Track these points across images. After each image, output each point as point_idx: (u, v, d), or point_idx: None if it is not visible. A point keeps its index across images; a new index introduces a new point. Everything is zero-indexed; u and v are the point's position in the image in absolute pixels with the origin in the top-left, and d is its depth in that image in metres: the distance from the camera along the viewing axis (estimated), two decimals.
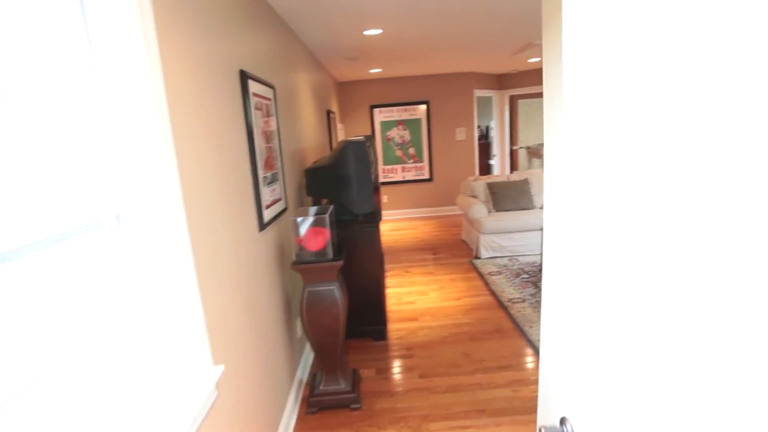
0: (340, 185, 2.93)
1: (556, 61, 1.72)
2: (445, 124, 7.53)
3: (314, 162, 3.34)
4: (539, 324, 3.42)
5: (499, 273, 4.61)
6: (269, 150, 2.35)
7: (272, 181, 2.37)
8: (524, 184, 5.49)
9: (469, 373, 2.83)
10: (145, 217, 1.10)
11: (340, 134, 6.70)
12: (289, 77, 3.23)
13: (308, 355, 3.05)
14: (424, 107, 7.41)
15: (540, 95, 12.19)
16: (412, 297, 4.16)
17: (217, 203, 1.58)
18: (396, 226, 7.17)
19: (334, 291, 2.32)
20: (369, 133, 7.44)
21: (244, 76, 1.98)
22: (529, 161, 12.21)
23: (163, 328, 1.16)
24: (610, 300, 0.76)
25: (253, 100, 2.09)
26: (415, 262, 5.22)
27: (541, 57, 6.11)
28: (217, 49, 1.71)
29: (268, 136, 2.34)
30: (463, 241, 5.96)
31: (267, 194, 2.25)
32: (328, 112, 5.28)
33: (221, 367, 1.33)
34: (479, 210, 5.20)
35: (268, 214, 2.23)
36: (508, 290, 4.13)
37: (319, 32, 3.68)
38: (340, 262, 2.30)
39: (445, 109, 7.48)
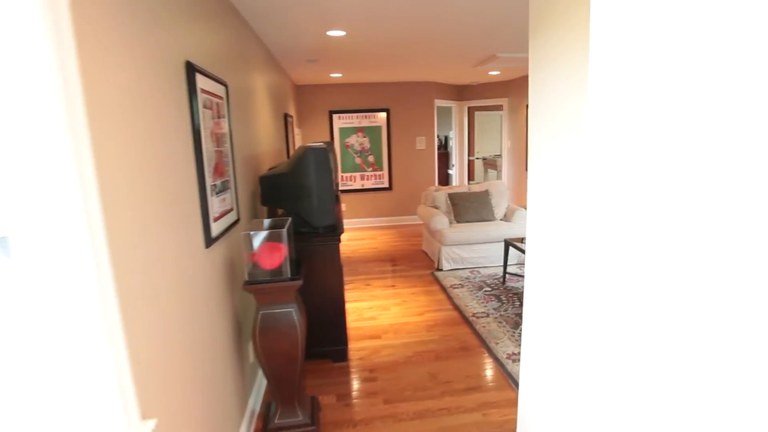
0: (298, 195, 2.70)
1: (545, 68, 1.60)
2: (405, 133, 7.43)
3: (270, 168, 3.09)
4: (505, 340, 3.32)
5: (462, 286, 4.50)
6: (219, 154, 2.09)
7: (222, 189, 2.11)
8: (485, 195, 5.45)
9: (437, 396, 2.66)
10: (43, 238, 0.84)
11: (298, 140, 6.43)
12: (244, 75, 2.97)
13: (261, 382, 2.77)
14: (384, 115, 7.28)
15: (497, 108, 12.45)
16: (374, 312, 3.96)
17: (154, 217, 1.32)
18: (355, 235, 6.96)
19: (291, 313, 2.08)
20: (328, 139, 7.21)
21: (191, 69, 1.73)
22: (485, 172, 12.39)
23: (69, 380, 0.90)
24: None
25: (201, 97, 1.83)
26: (375, 274, 5.03)
27: (500, 71, 6.15)
28: (159, 38, 1.45)
29: (218, 139, 2.08)
30: (424, 252, 5.84)
31: (216, 204, 1.99)
32: (286, 116, 5.02)
33: (152, 423, 1.07)
34: (441, 221, 5.10)
35: (216, 228, 1.97)
36: (472, 304, 4.02)
37: (279, 30, 3.45)
38: (299, 282, 2.07)
39: (405, 118, 7.38)
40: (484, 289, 4.38)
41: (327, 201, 2.74)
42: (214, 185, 1.96)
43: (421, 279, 4.80)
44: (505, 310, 3.85)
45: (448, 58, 5.10)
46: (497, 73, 6.42)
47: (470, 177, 13.02)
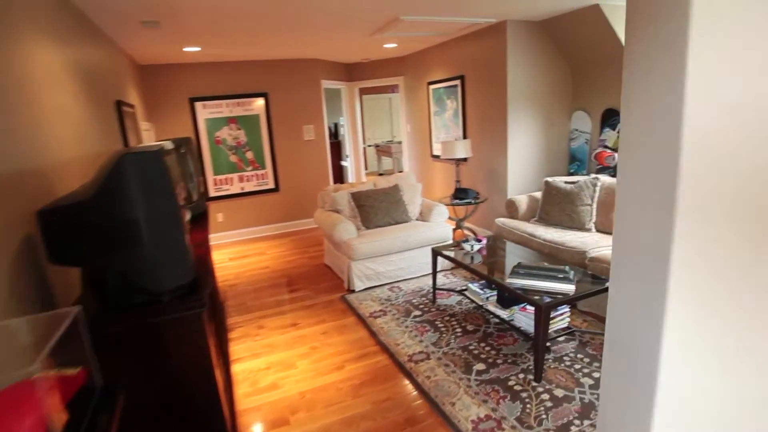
0: (115, 239, 1.47)
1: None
2: (289, 122, 6.21)
3: (63, 197, 1.78)
4: (462, 396, 2.45)
5: (384, 312, 3.56)
6: None
7: None
8: (395, 192, 4.55)
9: None
10: None
11: (147, 137, 4.87)
12: (13, 38, 1.60)
13: None
14: (262, 101, 5.97)
15: (386, 90, 11.70)
16: (274, 374, 2.83)
17: None
18: (237, 251, 5.62)
19: None
20: (190, 134, 5.70)
21: None
22: (379, 160, 11.63)
23: None
24: None
25: None
26: (268, 308, 3.85)
27: (397, 43, 5.25)
28: None
29: None
30: (327, 267, 4.78)
31: None
32: (120, 105, 3.53)
33: None
34: (346, 230, 4.08)
35: None
36: (404, 340, 3.10)
37: None
38: None
39: (288, 104, 6.16)
40: (414, 314, 3.49)
41: (174, 243, 1.56)
42: None
43: (330, 308, 3.76)
44: (448, 344, 3.00)
45: (340, 23, 4.03)
46: (394, 46, 5.52)
47: (364, 165, 12.14)
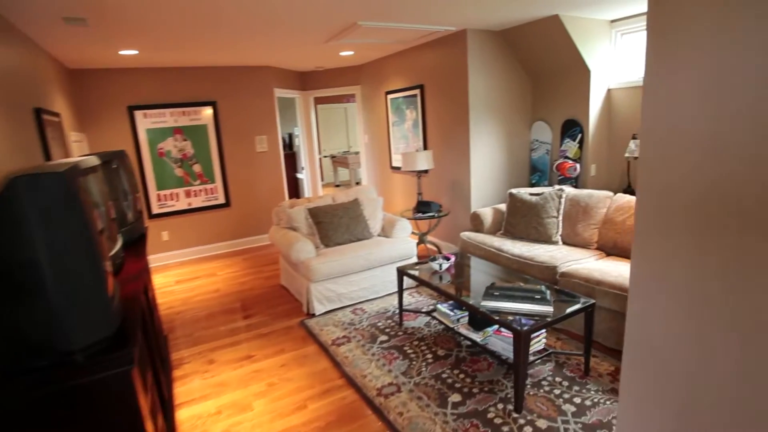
0: (7, 286, 1.14)
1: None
2: (240, 132, 5.84)
3: None
4: None
5: (348, 339, 3.29)
6: None
7: None
8: (355, 206, 4.31)
9: None
10: None
11: (78, 149, 4.37)
12: None
13: None
14: (210, 110, 5.57)
15: (341, 99, 11.45)
16: (226, 420, 2.48)
17: None
18: (185, 273, 5.16)
19: None
20: (130, 145, 5.20)
21: None
22: (335, 171, 11.35)
23: None
24: None
25: None
26: (220, 338, 3.47)
27: (354, 50, 5.04)
28: None
29: None
30: (284, 288, 4.45)
31: None
32: (39, 113, 3.08)
33: None
34: (304, 249, 3.78)
35: None
36: (371, 370, 2.84)
37: None
38: None
39: (239, 113, 5.79)
40: (380, 340, 3.24)
41: (87, 288, 1.23)
42: None
43: (289, 335, 3.44)
44: (419, 373, 2.77)
45: (294, 28, 3.77)
46: (351, 53, 5.31)
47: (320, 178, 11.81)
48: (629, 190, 4.14)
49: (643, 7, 3.85)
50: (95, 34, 3.41)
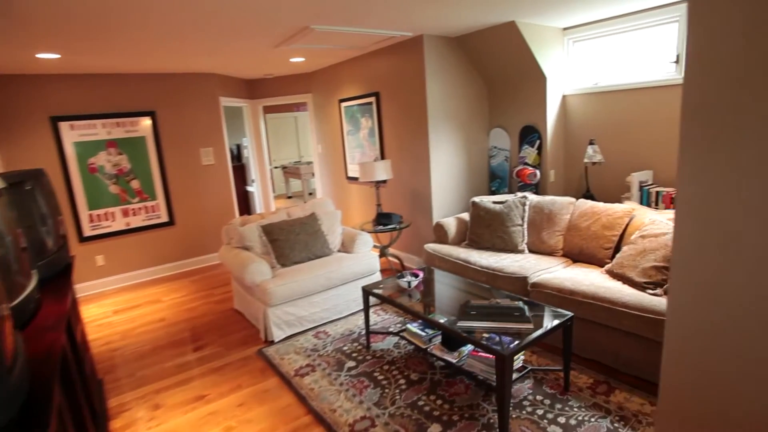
0: None
1: None
2: (183, 144, 5.41)
3: None
4: None
5: (312, 368, 3.02)
6: None
7: None
8: (312, 221, 4.05)
9: None
10: None
11: None
12: None
13: None
14: (148, 121, 5.12)
15: (293, 107, 11.09)
16: None
17: None
18: (124, 301, 4.67)
19: None
20: (54, 160, 4.66)
21: None
22: (287, 182, 10.97)
23: None
24: None
25: None
26: (166, 377, 3.09)
27: (305, 57, 4.80)
28: None
29: None
30: (238, 313, 4.10)
31: None
32: None
33: None
34: (259, 270, 3.48)
35: None
36: (340, 403, 2.59)
37: None
38: None
39: (182, 124, 5.37)
40: (347, 366, 3.00)
41: None
42: None
43: (246, 368, 3.12)
44: (393, 402, 2.55)
45: (239, 31, 3.49)
46: (301, 60, 5.05)
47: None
48: (588, 195, 4.16)
49: (593, 16, 3.89)
50: (4, 33, 2.96)
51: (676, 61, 3.70)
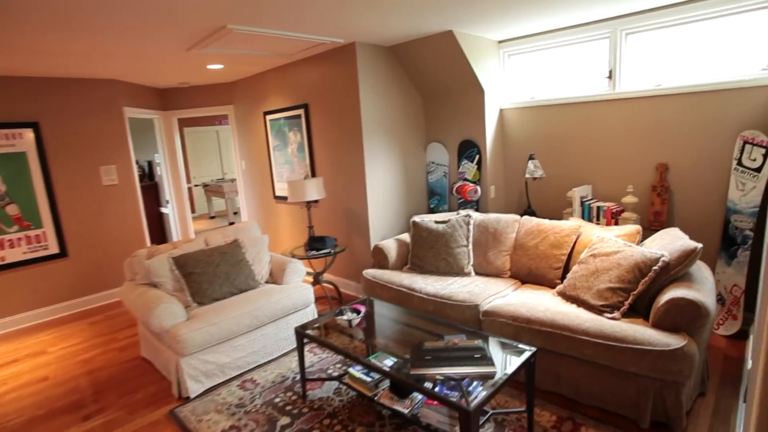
0: None
1: None
2: (78, 162, 4.63)
3: None
4: None
5: (238, 429, 2.51)
6: None
7: None
8: (235, 250, 3.53)
9: None
10: None
11: None
12: None
13: None
14: (30, 133, 4.30)
15: (215, 120, 10.27)
16: None
17: None
18: None
19: None
20: None
21: None
22: (209, 201, 10.11)
23: None
24: None
25: None
26: None
27: (224, 64, 4.29)
28: None
29: None
30: (146, 361, 3.45)
31: None
32: None
33: None
34: (170, 312, 2.91)
35: None
36: None
37: None
38: None
39: (75, 137, 4.59)
40: (281, 424, 2.52)
41: None
42: None
43: None
44: None
45: (145, 28, 2.94)
46: (220, 67, 4.53)
47: (191, 209, 10.61)
48: (530, 211, 4.04)
49: (526, 30, 3.81)
50: None
51: (609, 77, 3.69)
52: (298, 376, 3.00)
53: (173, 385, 2.92)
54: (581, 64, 3.85)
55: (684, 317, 2.24)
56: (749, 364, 2.29)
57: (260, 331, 3.21)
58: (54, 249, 4.50)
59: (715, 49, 3.18)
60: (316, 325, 2.77)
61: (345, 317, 2.67)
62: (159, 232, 6.71)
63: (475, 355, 2.05)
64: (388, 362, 2.21)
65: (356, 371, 2.64)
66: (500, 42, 4.22)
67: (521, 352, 2.20)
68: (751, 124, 3.05)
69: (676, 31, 3.33)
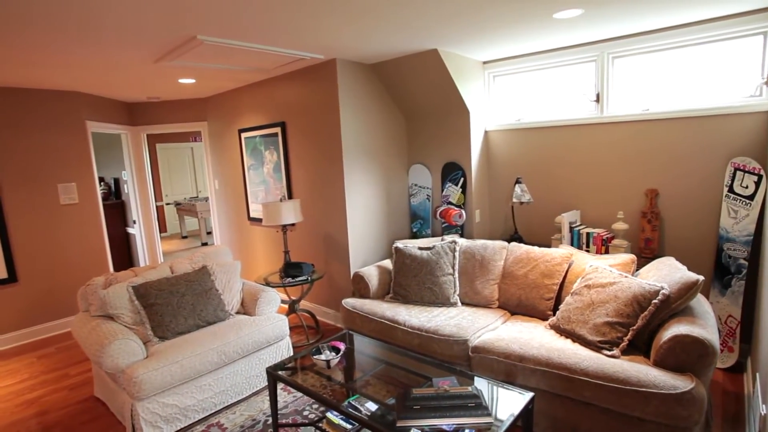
0: None
1: None
2: (31, 179, 4.28)
3: None
4: None
5: None
6: None
7: None
8: (203, 277, 3.24)
9: None
10: None
11: None
12: None
13: None
14: None
15: (189, 137, 9.92)
16: None
17: None
18: None
19: None
20: None
21: None
22: (181, 220, 9.70)
23: None
24: None
25: None
26: None
27: (196, 78, 4.06)
28: None
29: None
30: (100, 402, 3.10)
31: None
32: None
33: None
34: (125, 349, 2.60)
35: None
36: None
37: None
38: None
39: (29, 152, 4.25)
40: None
41: None
42: None
43: None
44: None
45: (108, 36, 2.70)
46: (192, 81, 4.29)
47: (161, 228, 10.18)
48: (516, 237, 3.89)
49: (511, 51, 3.73)
50: None
51: (597, 100, 3.62)
52: (270, 419, 2.71)
53: (127, 429, 2.59)
54: (568, 87, 3.77)
55: (689, 356, 2.08)
56: (760, 405, 2.13)
57: (229, 368, 2.91)
58: (2, 274, 4.10)
59: (703, 75, 3.14)
60: (290, 364, 2.50)
61: (323, 357, 2.41)
62: (124, 253, 6.31)
63: (469, 404, 1.83)
64: (371, 406, 1.97)
65: (335, 416, 2.38)
66: (485, 63, 4.12)
67: (518, 396, 1.99)
68: (740, 151, 2.99)
69: (663, 56, 3.28)
